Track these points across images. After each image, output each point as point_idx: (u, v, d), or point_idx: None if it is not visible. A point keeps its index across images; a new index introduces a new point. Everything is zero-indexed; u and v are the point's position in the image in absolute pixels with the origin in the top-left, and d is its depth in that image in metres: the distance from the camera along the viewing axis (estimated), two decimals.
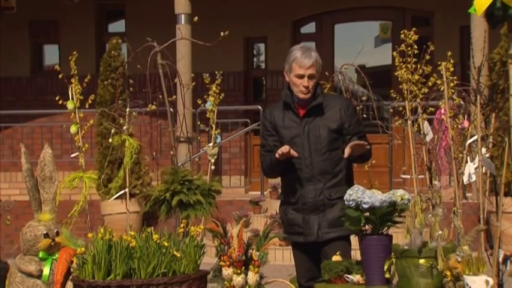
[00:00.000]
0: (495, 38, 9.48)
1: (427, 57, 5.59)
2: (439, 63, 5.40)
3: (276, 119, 5.04)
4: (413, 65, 5.58)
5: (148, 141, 6.13)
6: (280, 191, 5.36)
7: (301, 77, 4.89)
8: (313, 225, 4.99)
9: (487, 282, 3.89)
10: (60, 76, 6.75)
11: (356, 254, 4.77)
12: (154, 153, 6.00)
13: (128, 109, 6.19)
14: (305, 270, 5.13)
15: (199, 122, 8.77)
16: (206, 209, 4.89)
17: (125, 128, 6.20)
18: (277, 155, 4.80)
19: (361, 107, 6.71)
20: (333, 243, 4.94)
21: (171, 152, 5.51)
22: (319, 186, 4.94)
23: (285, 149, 4.76)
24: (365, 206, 4.27)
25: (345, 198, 4.36)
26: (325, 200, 4.95)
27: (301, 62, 4.87)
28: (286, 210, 5.14)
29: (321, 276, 4.61)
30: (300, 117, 4.99)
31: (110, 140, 6.42)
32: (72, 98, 6.63)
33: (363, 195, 4.28)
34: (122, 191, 6.79)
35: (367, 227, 4.37)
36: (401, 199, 4.25)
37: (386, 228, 4.31)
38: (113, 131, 6.41)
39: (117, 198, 7.52)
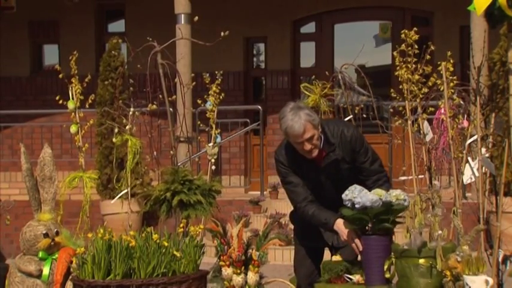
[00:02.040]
0: (495, 38, 9.48)
1: (427, 57, 5.59)
2: (439, 63, 5.39)
3: (294, 165, 4.85)
4: (414, 65, 5.57)
5: (149, 141, 6.12)
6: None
7: (300, 144, 4.69)
8: (331, 233, 4.94)
9: (486, 282, 3.89)
10: (60, 76, 6.76)
11: None
12: (155, 152, 5.98)
13: (132, 109, 6.19)
14: (305, 277, 5.09)
15: (199, 122, 8.77)
16: (206, 209, 4.89)
17: (127, 127, 6.20)
18: (343, 237, 4.64)
19: (361, 106, 6.72)
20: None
21: (171, 152, 5.51)
22: (340, 207, 4.79)
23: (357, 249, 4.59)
24: (357, 206, 4.28)
25: (342, 197, 4.38)
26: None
27: (293, 133, 4.63)
28: (303, 219, 5.02)
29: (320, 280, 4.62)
30: (318, 166, 4.82)
31: (114, 139, 6.41)
32: (73, 98, 6.64)
33: (358, 195, 4.29)
34: (123, 191, 6.78)
35: (367, 227, 4.38)
36: (397, 199, 4.24)
37: (382, 228, 4.29)
38: (116, 130, 6.41)
39: (117, 198, 7.51)
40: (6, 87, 14.25)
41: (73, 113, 6.62)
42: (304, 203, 4.81)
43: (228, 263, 4.45)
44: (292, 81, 13.56)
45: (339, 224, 4.64)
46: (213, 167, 6.97)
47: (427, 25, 13.15)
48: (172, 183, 4.87)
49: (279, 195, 11.41)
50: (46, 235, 5.19)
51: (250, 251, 4.50)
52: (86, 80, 6.68)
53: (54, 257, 5.16)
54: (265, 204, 11.43)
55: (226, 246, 4.50)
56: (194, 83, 8.05)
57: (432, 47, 5.63)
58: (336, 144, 4.78)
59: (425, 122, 5.64)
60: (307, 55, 13.96)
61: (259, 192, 11.98)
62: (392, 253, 4.27)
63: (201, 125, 8.56)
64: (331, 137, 4.79)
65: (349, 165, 4.85)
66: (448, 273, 4.02)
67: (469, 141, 5.40)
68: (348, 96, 7.20)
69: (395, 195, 4.27)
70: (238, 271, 4.43)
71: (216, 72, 7.25)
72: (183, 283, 4.28)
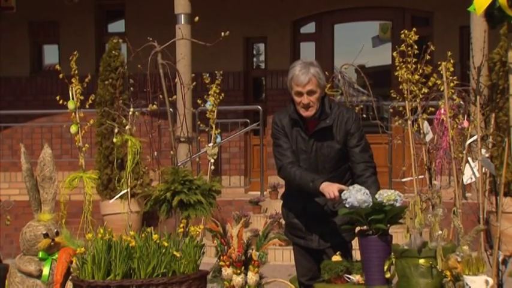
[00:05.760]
0: (495, 38, 9.48)
1: (427, 57, 5.59)
2: (439, 63, 5.39)
3: (286, 128, 4.96)
4: (413, 65, 5.58)
5: (149, 141, 6.12)
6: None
7: (299, 94, 4.82)
8: (315, 234, 5.00)
9: (486, 282, 3.89)
10: (60, 76, 6.76)
11: (356, 254, 4.78)
12: (155, 152, 5.98)
13: (132, 109, 6.20)
14: (306, 270, 5.14)
15: (199, 122, 8.78)
16: (207, 209, 4.89)
17: (127, 127, 6.20)
18: (327, 195, 4.67)
19: (361, 106, 6.71)
20: (334, 248, 4.94)
21: (171, 152, 5.51)
22: (323, 198, 4.86)
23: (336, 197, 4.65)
24: (347, 205, 4.30)
25: (341, 196, 4.40)
26: (328, 211, 4.95)
27: (298, 80, 4.78)
28: (289, 214, 5.15)
29: (321, 276, 4.62)
30: (308, 134, 4.92)
31: (114, 139, 6.42)
32: (73, 98, 6.64)
33: (350, 193, 4.31)
34: (123, 191, 6.78)
35: (365, 227, 4.39)
36: (388, 200, 4.24)
37: (378, 228, 4.29)
38: (116, 130, 6.41)
39: (117, 198, 7.51)
40: (6, 87, 14.25)
41: (73, 113, 6.63)
42: (291, 164, 4.89)
43: (228, 263, 4.45)
44: None
45: (325, 185, 4.68)
46: (213, 167, 6.97)
47: (427, 25, 13.16)
48: (173, 183, 4.87)
49: (279, 195, 11.40)
50: (46, 235, 5.18)
51: (250, 251, 4.50)
52: (86, 80, 6.68)
53: (54, 257, 5.15)
54: (265, 204, 11.43)
55: (226, 246, 4.50)
56: (194, 83, 8.05)
57: (432, 47, 5.63)
58: (331, 117, 4.87)
59: (425, 122, 5.65)
60: (307, 55, 13.94)
61: (259, 193, 11.98)
62: (392, 253, 4.27)
63: (201, 125, 8.57)
64: (328, 108, 4.89)
65: (340, 146, 4.90)
66: (448, 273, 4.02)
67: (469, 141, 5.41)
68: (348, 96, 7.19)
69: (386, 195, 4.27)
70: (238, 271, 4.42)
71: (216, 72, 7.25)
72: (183, 283, 4.28)
